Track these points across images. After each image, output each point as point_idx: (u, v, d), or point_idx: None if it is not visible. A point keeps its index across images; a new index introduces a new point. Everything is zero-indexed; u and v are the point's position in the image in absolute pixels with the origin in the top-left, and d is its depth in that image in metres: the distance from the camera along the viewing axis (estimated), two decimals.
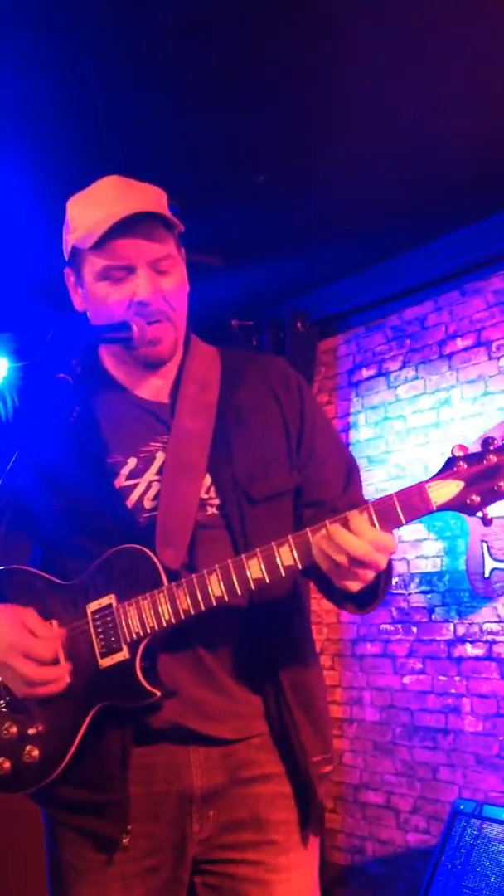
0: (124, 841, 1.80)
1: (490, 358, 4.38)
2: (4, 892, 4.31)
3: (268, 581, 1.72)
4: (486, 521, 1.58)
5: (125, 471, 1.90)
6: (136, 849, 1.83)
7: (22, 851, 3.96)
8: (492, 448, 1.57)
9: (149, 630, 1.77)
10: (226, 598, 1.73)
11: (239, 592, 1.73)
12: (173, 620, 1.75)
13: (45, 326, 5.12)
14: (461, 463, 1.58)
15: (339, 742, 4.98)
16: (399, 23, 2.96)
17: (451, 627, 4.45)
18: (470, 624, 4.36)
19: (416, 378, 4.75)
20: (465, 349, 4.51)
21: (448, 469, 1.60)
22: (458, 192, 4.10)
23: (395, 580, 4.71)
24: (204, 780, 1.85)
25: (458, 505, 1.58)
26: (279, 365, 2.11)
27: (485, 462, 1.57)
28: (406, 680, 4.65)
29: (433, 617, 4.55)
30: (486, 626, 4.28)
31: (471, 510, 1.57)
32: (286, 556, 1.69)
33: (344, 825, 4.92)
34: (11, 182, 3.84)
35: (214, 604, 1.74)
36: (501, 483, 1.55)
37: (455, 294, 4.59)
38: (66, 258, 1.99)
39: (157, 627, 1.76)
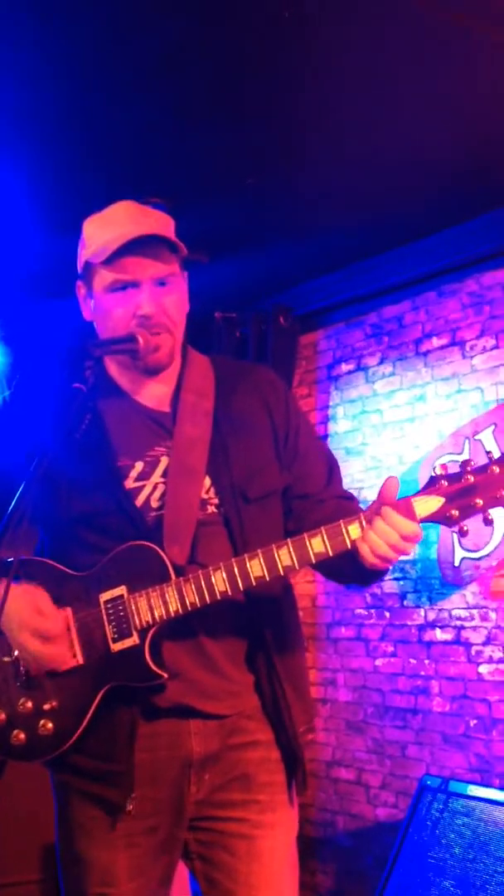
0: (129, 807, 2.01)
1: (464, 357, 4.59)
2: (14, 850, 4.52)
3: (268, 579, 1.93)
4: (463, 534, 1.79)
5: (133, 473, 2.10)
6: (140, 810, 2.04)
7: (20, 807, 4.16)
8: (469, 469, 1.78)
9: (157, 619, 1.97)
10: (229, 593, 1.94)
11: (241, 588, 1.94)
12: (181, 611, 1.96)
13: (34, 316, 5.24)
14: (443, 481, 1.80)
15: (313, 721, 5.20)
16: (379, 33, 3.10)
17: (422, 613, 4.67)
18: (440, 610, 4.58)
19: (392, 374, 4.95)
20: (441, 348, 4.71)
21: (431, 486, 1.81)
22: (437, 196, 4.27)
23: None
24: (202, 747, 2.06)
25: (440, 518, 1.80)
26: (266, 374, 2.32)
27: (463, 481, 1.78)
28: (378, 662, 4.88)
29: (405, 603, 4.77)
30: (455, 613, 4.51)
31: (450, 523, 1.79)
32: (285, 557, 1.91)
33: (316, 800, 5.15)
34: (12, 181, 3.98)
35: (219, 598, 1.94)
36: (478, 500, 1.76)
37: (432, 295, 4.78)
38: (79, 272, 2.18)
39: (165, 617, 1.97)
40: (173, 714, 2.06)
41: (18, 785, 3.94)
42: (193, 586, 1.95)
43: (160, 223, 2.13)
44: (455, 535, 4.47)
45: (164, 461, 2.11)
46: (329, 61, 3.27)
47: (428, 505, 1.80)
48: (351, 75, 3.34)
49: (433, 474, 1.80)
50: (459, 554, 4.46)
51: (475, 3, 3.00)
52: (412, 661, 4.70)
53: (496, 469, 1.78)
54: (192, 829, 2.11)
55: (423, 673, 4.64)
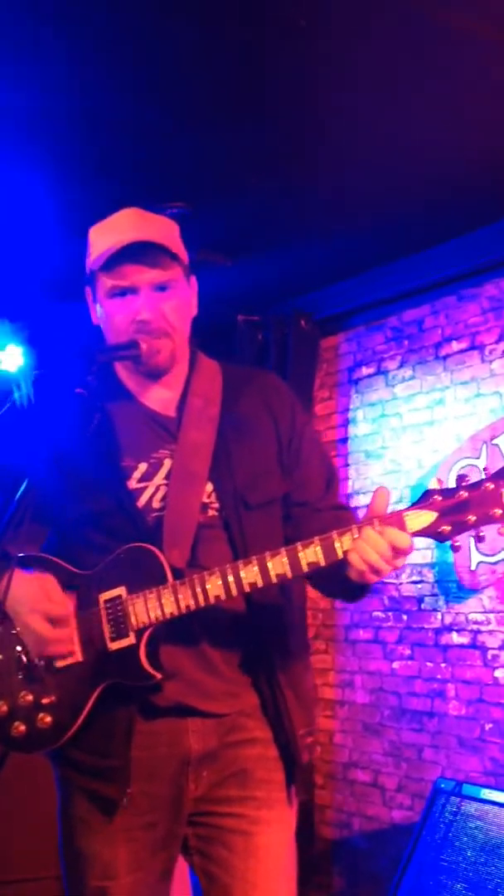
0: (124, 802, 2.07)
1: (483, 361, 4.59)
2: (20, 842, 4.61)
3: (260, 586, 1.97)
4: (455, 549, 1.81)
5: (137, 474, 2.15)
6: (138, 806, 2.09)
7: (37, 805, 4.23)
8: (463, 485, 1.81)
9: (153, 620, 2.02)
10: (223, 597, 1.99)
11: (235, 594, 1.99)
12: (175, 613, 2.01)
13: (56, 317, 5.30)
14: (436, 496, 1.82)
15: (331, 722, 5.24)
16: (399, 38, 3.12)
17: (439, 616, 4.69)
18: (457, 614, 4.59)
19: (412, 378, 4.96)
20: (460, 352, 4.71)
21: (424, 500, 1.84)
22: (457, 201, 4.28)
23: None
24: (200, 745, 2.11)
25: (432, 533, 1.82)
26: (272, 380, 2.36)
27: (457, 497, 1.81)
28: (395, 665, 4.90)
29: (422, 606, 4.78)
30: (472, 617, 4.52)
31: (442, 538, 1.81)
32: (278, 566, 1.95)
33: (333, 801, 5.17)
34: (31, 185, 4.03)
35: (213, 602, 1.99)
36: (470, 517, 1.79)
37: (451, 299, 4.79)
38: (87, 277, 2.23)
39: (160, 618, 2.02)
40: (172, 713, 2.11)
41: (42, 782, 4.01)
42: (189, 590, 2.00)
43: (161, 230, 2.18)
44: (472, 539, 4.48)
45: (167, 464, 2.16)
46: (350, 66, 3.29)
47: (421, 519, 1.82)
48: (372, 80, 3.36)
49: (428, 489, 1.82)
50: (476, 558, 4.47)
51: (489, 12, 3.01)
52: (429, 664, 4.71)
53: (490, 486, 1.80)
54: (192, 824, 2.16)
55: (439, 676, 4.66)
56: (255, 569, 1.96)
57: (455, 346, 4.74)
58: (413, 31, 3.08)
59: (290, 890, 2.20)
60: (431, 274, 4.77)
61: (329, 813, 5.16)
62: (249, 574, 1.96)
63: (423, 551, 4.77)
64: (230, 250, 4.77)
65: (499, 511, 1.78)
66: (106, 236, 2.15)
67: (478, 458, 4.44)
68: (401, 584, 4.89)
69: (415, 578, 4.82)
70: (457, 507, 1.81)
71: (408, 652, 4.84)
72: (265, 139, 3.77)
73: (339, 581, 2.00)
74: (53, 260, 4.66)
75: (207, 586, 1.99)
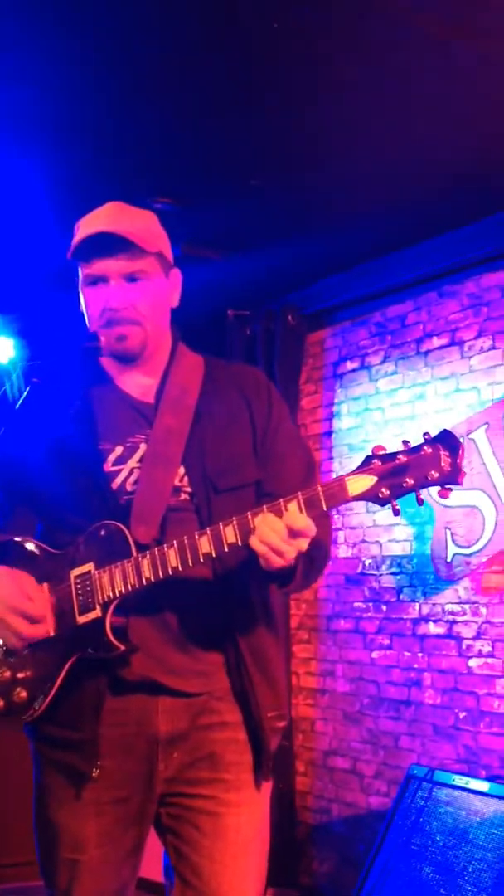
0: (94, 774, 2.13)
1: (462, 357, 4.68)
2: (23, 825, 4.69)
3: (214, 555, 2.03)
4: (395, 512, 1.89)
5: (112, 457, 2.24)
6: (109, 780, 2.15)
7: (17, 778, 4.32)
8: (403, 449, 1.89)
9: (117, 593, 2.10)
10: (180, 568, 2.05)
11: (191, 564, 2.04)
12: (137, 586, 2.08)
13: (47, 309, 5.36)
14: (376, 461, 1.90)
15: (312, 711, 5.32)
16: (380, 41, 3.20)
17: (417, 607, 4.76)
18: (433, 604, 4.67)
19: (395, 373, 5.04)
20: (440, 347, 4.80)
21: (365, 465, 1.92)
22: (439, 200, 4.36)
23: (368, 562, 5.04)
24: (169, 726, 2.17)
25: (371, 496, 1.90)
26: (253, 374, 2.44)
27: (396, 461, 1.89)
28: (374, 654, 4.98)
29: (401, 597, 4.86)
30: (448, 607, 4.60)
31: (381, 501, 1.89)
32: (230, 534, 2.01)
33: (313, 788, 5.25)
34: (24, 178, 4.11)
35: (171, 573, 2.05)
36: (407, 480, 1.87)
37: (433, 295, 4.87)
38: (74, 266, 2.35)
39: (124, 591, 2.09)
40: (141, 689, 2.16)
41: (18, 751, 4.09)
42: (149, 562, 2.07)
43: (135, 223, 2.26)
44: (448, 532, 4.57)
45: (142, 448, 2.24)
46: (334, 69, 3.36)
47: (361, 483, 1.89)
48: (356, 82, 3.43)
49: (369, 454, 1.91)
50: (452, 550, 4.55)
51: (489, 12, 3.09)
52: (406, 653, 4.79)
53: (428, 449, 1.88)
54: (164, 804, 2.22)
55: (416, 665, 4.74)
56: (209, 539, 2.02)
57: (436, 341, 4.83)
58: (411, 30, 3.15)
59: (260, 870, 2.24)
60: (414, 270, 4.85)
61: (310, 799, 5.24)
62: (204, 544, 2.02)
63: (403, 543, 4.85)
64: (220, 246, 4.86)
65: (435, 473, 1.85)
66: (84, 228, 2.25)
67: None
68: (381, 575, 4.97)
69: (394, 570, 4.90)
70: (395, 471, 1.88)
71: (387, 642, 4.92)
72: (254, 138, 3.85)
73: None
74: (45, 252, 4.74)
75: (167, 558, 2.05)
